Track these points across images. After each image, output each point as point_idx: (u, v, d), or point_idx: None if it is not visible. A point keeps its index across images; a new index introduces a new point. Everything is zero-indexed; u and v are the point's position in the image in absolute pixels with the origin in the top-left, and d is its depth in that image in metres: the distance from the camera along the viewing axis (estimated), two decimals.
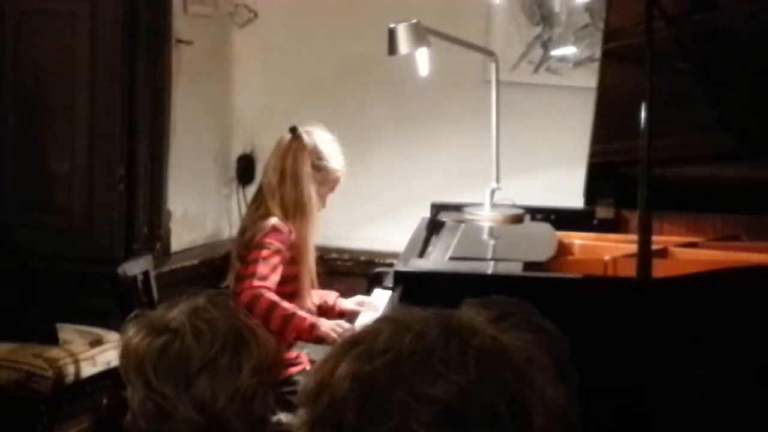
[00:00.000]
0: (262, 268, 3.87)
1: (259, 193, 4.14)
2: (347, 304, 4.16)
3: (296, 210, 4.01)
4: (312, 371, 1.27)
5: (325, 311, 4.11)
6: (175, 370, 2.05)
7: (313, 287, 4.15)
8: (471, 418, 1.19)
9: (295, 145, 4.04)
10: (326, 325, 3.82)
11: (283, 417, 3.18)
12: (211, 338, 2.07)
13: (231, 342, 2.07)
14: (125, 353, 2.11)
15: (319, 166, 4.04)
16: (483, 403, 1.19)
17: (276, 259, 3.91)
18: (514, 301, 1.92)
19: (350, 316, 4.09)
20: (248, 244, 3.98)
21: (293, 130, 4.07)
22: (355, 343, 1.24)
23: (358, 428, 1.20)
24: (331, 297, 4.20)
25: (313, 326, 3.81)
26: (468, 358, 1.21)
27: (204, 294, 2.18)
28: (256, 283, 3.84)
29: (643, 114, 3.10)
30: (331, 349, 1.27)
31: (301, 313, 3.88)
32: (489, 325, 1.27)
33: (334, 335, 3.76)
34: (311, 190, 4.02)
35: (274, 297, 3.84)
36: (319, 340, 3.80)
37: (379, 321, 1.27)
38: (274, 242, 3.92)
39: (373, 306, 4.08)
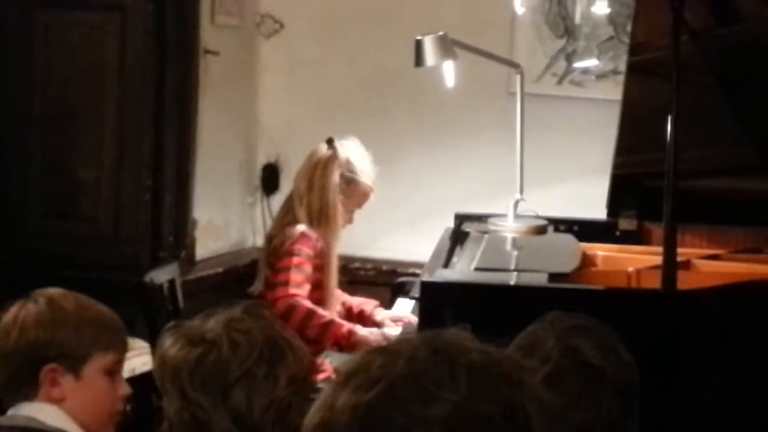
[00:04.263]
0: (295, 276, 3.92)
1: (289, 200, 4.19)
2: (383, 315, 4.20)
3: (321, 219, 4.05)
4: (312, 409, 1.29)
5: (362, 319, 4.15)
6: (211, 380, 2.07)
7: (337, 299, 4.20)
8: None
9: (327, 156, 4.10)
10: (363, 331, 3.88)
11: None
12: (247, 349, 2.08)
13: (267, 353, 2.09)
14: (162, 364, 2.13)
15: (349, 179, 4.09)
16: (480, 415, 1.22)
17: (308, 266, 3.96)
18: (593, 320, 2.01)
19: (383, 327, 4.13)
20: (277, 250, 4.02)
21: (330, 141, 4.12)
22: (351, 375, 1.27)
23: None
24: (369, 305, 4.25)
25: (351, 333, 3.87)
26: (458, 375, 1.23)
27: (240, 304, 2.19)
28: (291, 291, 3.89)
29: (668, 127, 3.12)
30: (328, 385, 1.30)
31: (338, 320, 3.93)
32: (474, 340, 1.30)
33: (371, 339, 3.81)
34: (337, 200, 4.07)
35: (310, 305, 3.89)
36: (357, 346, 3.84)
37: (370, 352, 1.30)
38: (304, 249, 3.97)
39: (408, 321, 4.11)
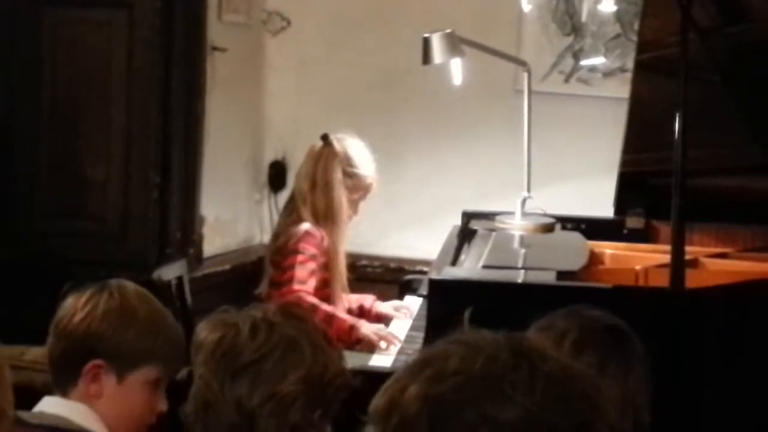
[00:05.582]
0: (300, 273, 3.93)
1: (291, 199, 4.19)
2: (384, 307, 4.22)
3: (327, 216, 4.06)
4: (382, 390, 1.28)
5: (362, 314, 4.16)
6: (224, 362, 2.11)
7: (345, 293, 4.21)
8: None
9: (326, 152, 4.10)
10: (366, 327, 3.88)
11: None
12: (264, 339, 2.11)
13: (282, 346, 2.12)
14: (195, 341, 2.17)
15: (351, 173, 4.09)
16: (550, 427, 1.21)
17: (312, 264, 3.97)
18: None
19: (387, 319, 4.14)
20: (281, 249, 4.03)
21: (325, 137, 4.12)
22: (426, 363, 1.26)
23: None
24: (368, 300, 4.26)
25: (353, 327, 3.87)
26: (536, 382, 1.22)
27: (282, 303, 2.22)
28: (296, 287, 3.90)
29: (677, 125, 3.12)
30: (400, 369, 1.28)
31: (341, 314, 3.94)
32: (558, 350, 1.29)
33: (374, 337, 3.81)
34: (342, 196, 4.07)
35: (313, 300, 3.90)
36: (359, 341, 3.86)
37: (450, 342, 1.28)
38: (308, 247, 3.98)
39: (410, 310, 4.12)
